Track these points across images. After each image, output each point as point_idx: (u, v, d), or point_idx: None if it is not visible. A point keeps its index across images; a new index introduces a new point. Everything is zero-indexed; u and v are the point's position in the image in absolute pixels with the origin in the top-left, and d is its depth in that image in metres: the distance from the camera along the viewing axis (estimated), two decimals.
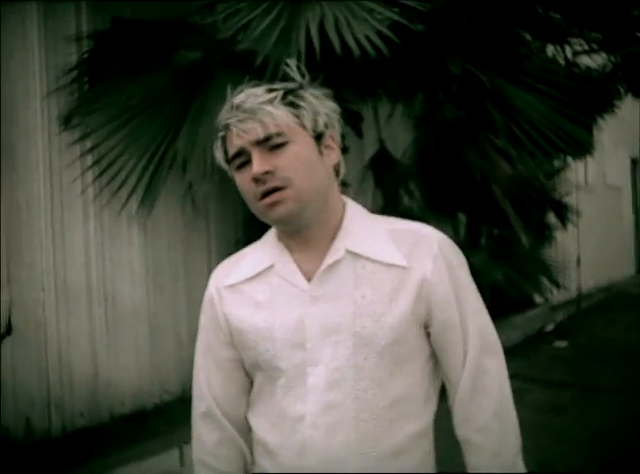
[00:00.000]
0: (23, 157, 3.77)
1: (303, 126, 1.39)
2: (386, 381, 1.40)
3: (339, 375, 1.40)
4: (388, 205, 5.20)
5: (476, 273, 1.51)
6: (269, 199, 1.36)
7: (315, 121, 1.40)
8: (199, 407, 1.53)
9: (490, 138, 4.93)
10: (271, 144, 1.36)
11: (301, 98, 1.41)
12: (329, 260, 1.41)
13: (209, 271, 1.52)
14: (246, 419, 1.52)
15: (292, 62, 1.45)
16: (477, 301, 1.49)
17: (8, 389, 3.64)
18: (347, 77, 4.19)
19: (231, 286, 1.48)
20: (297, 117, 1.39)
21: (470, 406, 1.43)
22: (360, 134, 4.78)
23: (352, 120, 4.62)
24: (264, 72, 3.68)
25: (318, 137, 1.41)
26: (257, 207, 1.39)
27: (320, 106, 1.42)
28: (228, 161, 1.43)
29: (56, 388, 3.86)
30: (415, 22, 3.81)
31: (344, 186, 5.46)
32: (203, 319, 1.52)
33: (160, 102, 3.91)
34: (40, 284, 3.82)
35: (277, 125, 1.36)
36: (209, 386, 1.51)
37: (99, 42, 4.04)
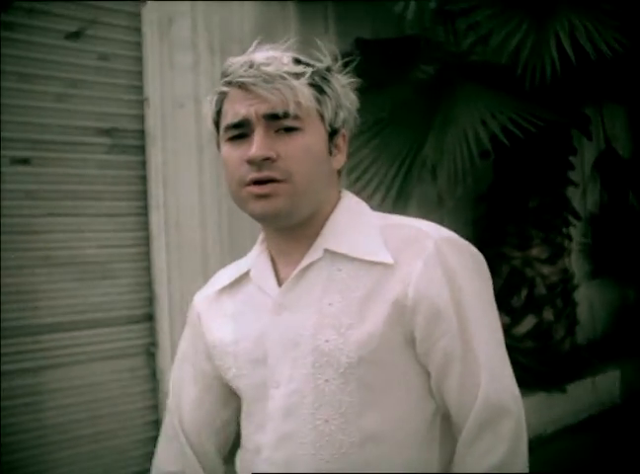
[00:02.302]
0: None
1: (322, 117, 1.17)
2: (354, 412, 1.11)
3: (296, 400, 1.14)
4: (614, 205, 5.29)
5: None
6: (259, 189, 1.12)
7: (336, 115, 1.18)
8: (165, 426, 1.34)
9: None
10: (281, 125, 1.13)
11: (328, 82, 1.18)
12: (304, 262, 1.18)
13: None
14: (219, 449, 1.31)
15: (325, 43, 1.24)
16: (493, 331, 1.14)
17: None
18: (574, 81, 4.40)
19: (210, 296, 1.30)
20: (320, 103, 1.16)
21: (467, 461, 1.11)
22: (589, 137, 4.90)
23: (580, 123, 4.80)
24: (498, 82, 4.03)
25: (332, 133, 1.19)
26: (239, 194, 1.15)
27: (344, 97, 1.20)
28: (217, 123, 1.19)
29: None
30: None
31: (572, 186, 5.83)
32: (185, 329, 1.34)
33: (406, 113, 4.25)
34: None
35: (297, 105, 1.12)
36: (179, 402, 1.31)
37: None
